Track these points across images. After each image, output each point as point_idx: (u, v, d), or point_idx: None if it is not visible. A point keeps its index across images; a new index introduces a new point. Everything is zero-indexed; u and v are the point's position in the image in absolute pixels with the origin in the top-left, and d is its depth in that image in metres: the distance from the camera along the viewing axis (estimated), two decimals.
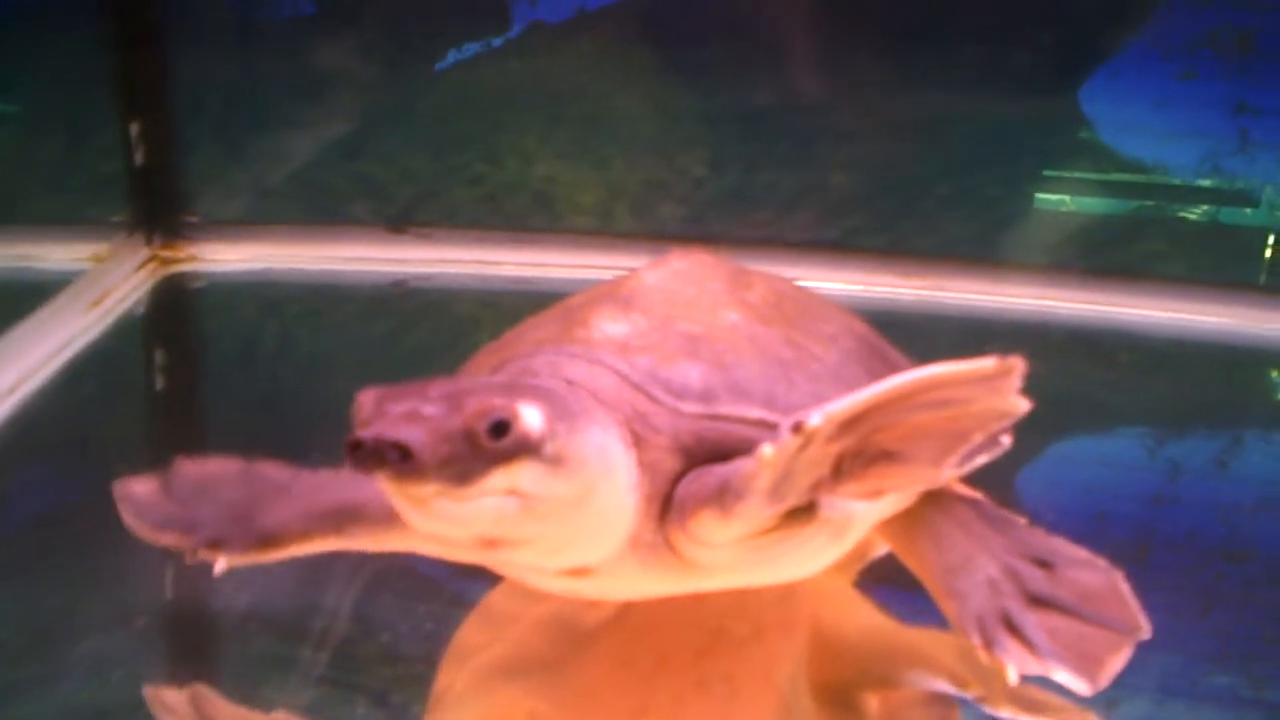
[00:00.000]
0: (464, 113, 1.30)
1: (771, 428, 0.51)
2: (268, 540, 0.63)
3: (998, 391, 0.49)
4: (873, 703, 0.68)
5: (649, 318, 0.60)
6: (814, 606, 0.74)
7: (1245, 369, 1.24)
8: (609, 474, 0.53)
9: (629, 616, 0.69)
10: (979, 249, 1.31)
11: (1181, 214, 1.28)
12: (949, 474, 0.55)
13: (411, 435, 0.46)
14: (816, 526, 0.55)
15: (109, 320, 1.18)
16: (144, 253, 1.31)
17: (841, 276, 1.29)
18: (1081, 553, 0.65)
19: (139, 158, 1.29)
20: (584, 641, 0.68)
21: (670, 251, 0.68)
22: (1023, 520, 0.67)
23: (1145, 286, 1.28)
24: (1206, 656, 0.74)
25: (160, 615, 0.77)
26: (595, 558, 0.55)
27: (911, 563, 0.67)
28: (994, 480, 0.92)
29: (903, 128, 1.29)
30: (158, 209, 1.32)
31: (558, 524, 0.52)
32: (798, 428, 0.48)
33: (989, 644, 0.61)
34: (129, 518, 0.66)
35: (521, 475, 0.49)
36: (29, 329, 1.10)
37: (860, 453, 0.52)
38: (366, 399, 0.49)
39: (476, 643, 0.68)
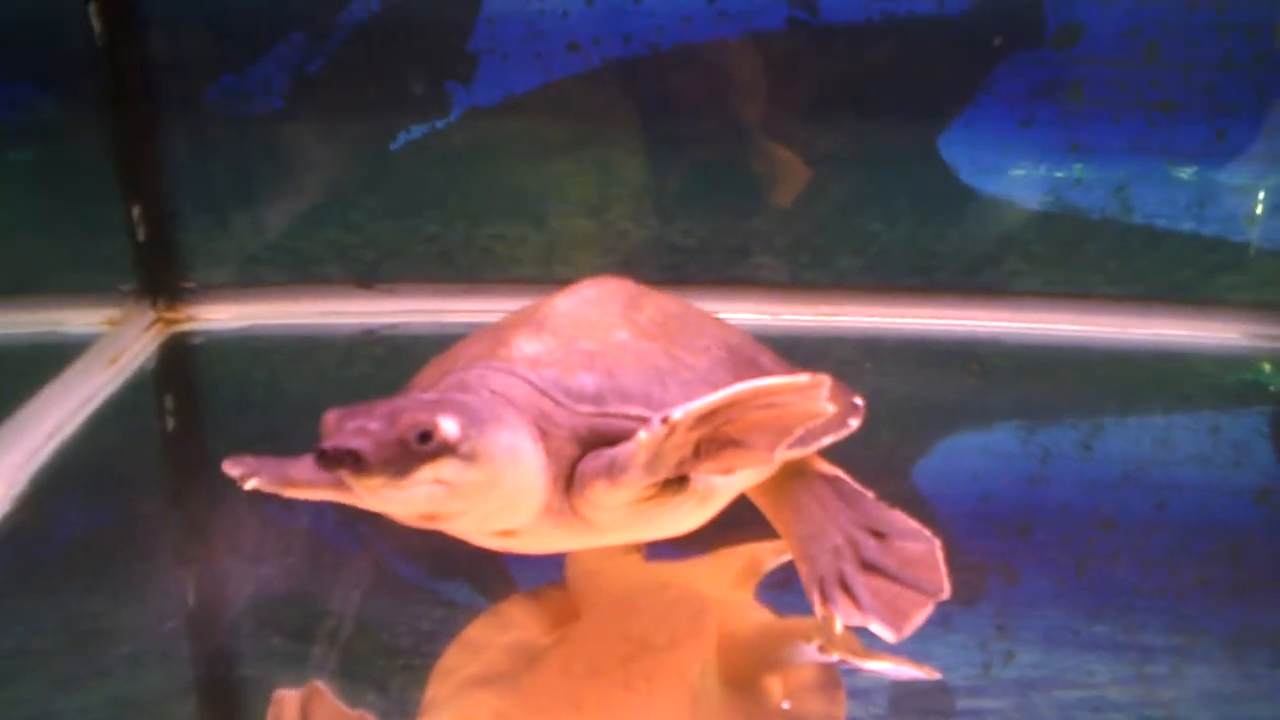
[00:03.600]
0: (417, 184, 1.37)
1: (648, 422, 0.59)
2: (291, 482, 0.73)
3: (810, 399, 0.59)
4: (773, 686, 0.73)
5: (556, 338, 0.68)
6: (720, 616, 0.80)
7: (1098, 368, 1.30)
8: (516, 463, 0.61)
9: (571, 636, 0.76)
10: (866, 277, 1.37)
11: (1034, 240, 1.34)
12: (780, 455, 0.63)
13: (360, 444, 0.56)
14: (686, 495, 0.65)
15: (125, 375, 1.24)
16: (150, 315, 1.39)
17: (750, 308, 1.37)
18: (911, 524, 0.73)
19: (141, 234, 1.38)
20: (536, 657, 0.74)
21: (585, 279, 0.76)
22: (871, 495, 0.74)
23: (1009, 301, 1.36)
24: (1086, 610, 0.80)
25: (184, 620, 0.83)
26: (518, 523, 0.65)
27: (779, 529, 0.76)
28: (892, 471, 1.01)
29: (792, 176, 1.36)
30: (160, 278, 1.40)
31: (480, 502, 0.61)
32: (665, 420, 0.57)
33: (825, 600, 0.70)
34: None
35: (444, 469, 0.59)
36: (59, 386, 1.18)
37: (714, 439, 0.61)
38: (330, 418, 0.59)
39: (455, 664, 0.74)
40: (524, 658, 0.74)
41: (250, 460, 0.76)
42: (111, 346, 1.30)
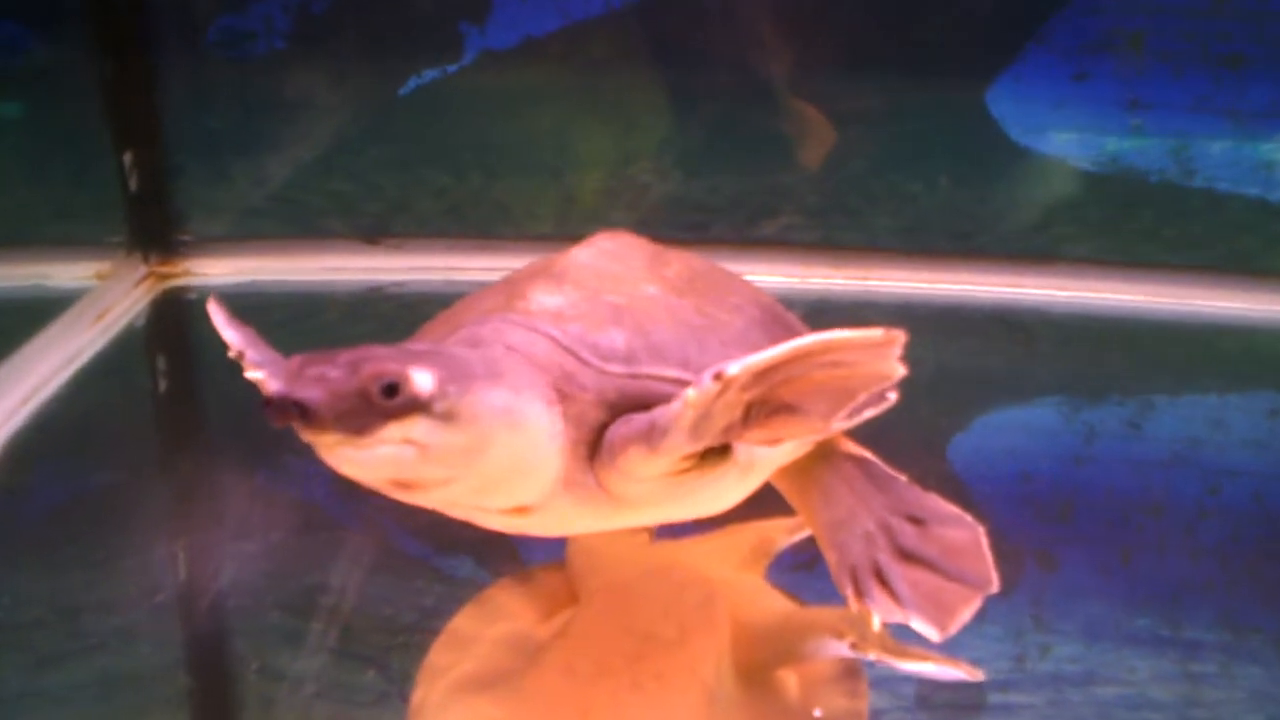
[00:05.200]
0: (428, 133, 1.37)
1: (685, 385, 0.56)
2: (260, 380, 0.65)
3: (882, 356, 0.55)
4: (791, 681, 0.72)
5: (580, 290, 0.65)
6: (732, 604, 0.78)
7: (1150, 342, 1.29)
8: (514, 427, 0.58)
9: (571, 630, 0.74)
10: (902, 241, 1.37)
11: (1085, 203, 1.35)
12: (836, 426, 0.61)
13: (310, 394, 0.52)
14: (727, 466, 0.61)
15: (113, 332, 1.24)
16: (142, 270, 1.39)
17: (777, 270, 1.38)
18: (951, 510, 0.69)
19: (133, 184, 1.38)
20: (534, 655, 0.72)
21: (598, 233, 0.73)
22: (904, 478, 0.71)
23: (1056, 269, 1.35)
24: (1128, 601, 0.79)
25: (173, 593, 0.83)
26: (529, 497, 0.61)
27: (804, 515, 0.73)
28: (925, 448, 1.00)
29: (828, 133, 1.36)
30: (153, 230, 1.40)
31: (465, 470, 0.57)
32: (719, 376, 0.54)
33: (859, 593, 0.67)
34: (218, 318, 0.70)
35: (414, 428, 0.54)
36: (43, 342, 1.18)
37: (766, 403, 0.57)
38: (292, 363, 0.55)
39: (445, 662, 0.72)
40: (520, 653, 0.73)
41: (246, 335, 0.70)
42: (99, 302, 1.30)
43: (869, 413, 0.72)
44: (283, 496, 0.93)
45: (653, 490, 0.62)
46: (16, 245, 1.37)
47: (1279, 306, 1.30)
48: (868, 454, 0.74)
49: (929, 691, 0.71)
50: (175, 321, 1.36)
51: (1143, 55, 1.26)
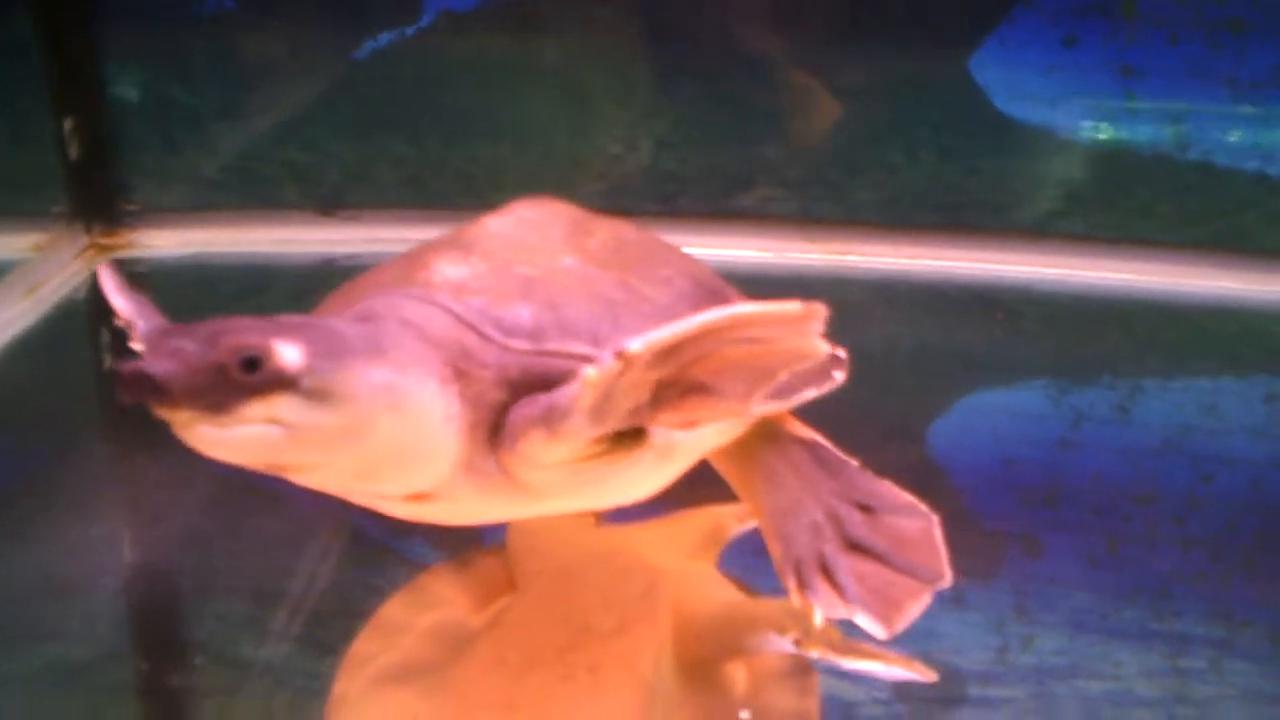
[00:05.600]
0: (385, 99, 1.34)
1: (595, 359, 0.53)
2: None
3: (801, 333, 0.52)
4: (736, 677, 0.70)
5: (487, 261, 0.63)
6: (676, 594, 0.77)
7: (1142, 323, 1.26)
8: (398, 408, 0.55)
9: (503, 618, 0.73)
10: (883, 214, 1.34)
11: (1076, 175, 1.32)
12: (760, 407, 0.59)
13: (161, 368, 0.50)
14: (640, 452, 0.59)
15: (45, 307, 1.22)
16: (83, 241, 1.36)
17: (752, 244, 1.35)
18: (904, 498, 0.68)
19: (74, 151, 1.35)
20: (462, 645, 0.71)
21: (519, 200, 0.70)
22: (855, 463, 0.69)
23: (1044, 245, 1.33)
24: (1116, 593, 0.78)
25: (121, 577, 0.82)
26: (425, 483, 0.59)
27: (748, 501, 0.71)
28: (905, 430, 0.98)
29: (806, 100, 1.33)
30: (96, 199, 1.37)
31: (343, 453, 0.55)
32: (619, 353, 0.51)
33: (802, 586, 0.65)
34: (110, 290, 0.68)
35: (279, 407, 0.52)
36: None
37: (676, 382, 0.55)
38: (150, 335, 0.53)
39: (370, 652, 0.71)
40: (449, 643, 0.71)
41: (137, 305, 0.67)
42: (32, 274, 1.27)
43: (809, 392, 0.70)
44: (234, 477, 0.92)
45: (561, 477, 0.59)
46: None
47: (1279, 287, 1.27)
48: (817, 437, 0.72)
49: (905, 683, 0.69)
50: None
51: (1135, 19, 1.23)
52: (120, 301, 0.66)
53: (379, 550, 0.83)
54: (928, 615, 0.65)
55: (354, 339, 0.56)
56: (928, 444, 0.99)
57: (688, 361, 0.54)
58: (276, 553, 0.82)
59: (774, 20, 1.31)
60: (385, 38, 1.33)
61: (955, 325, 1.26)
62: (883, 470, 0.70)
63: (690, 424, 0.59)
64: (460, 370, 0.58)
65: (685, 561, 0.81)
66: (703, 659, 0.72)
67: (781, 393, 0.67)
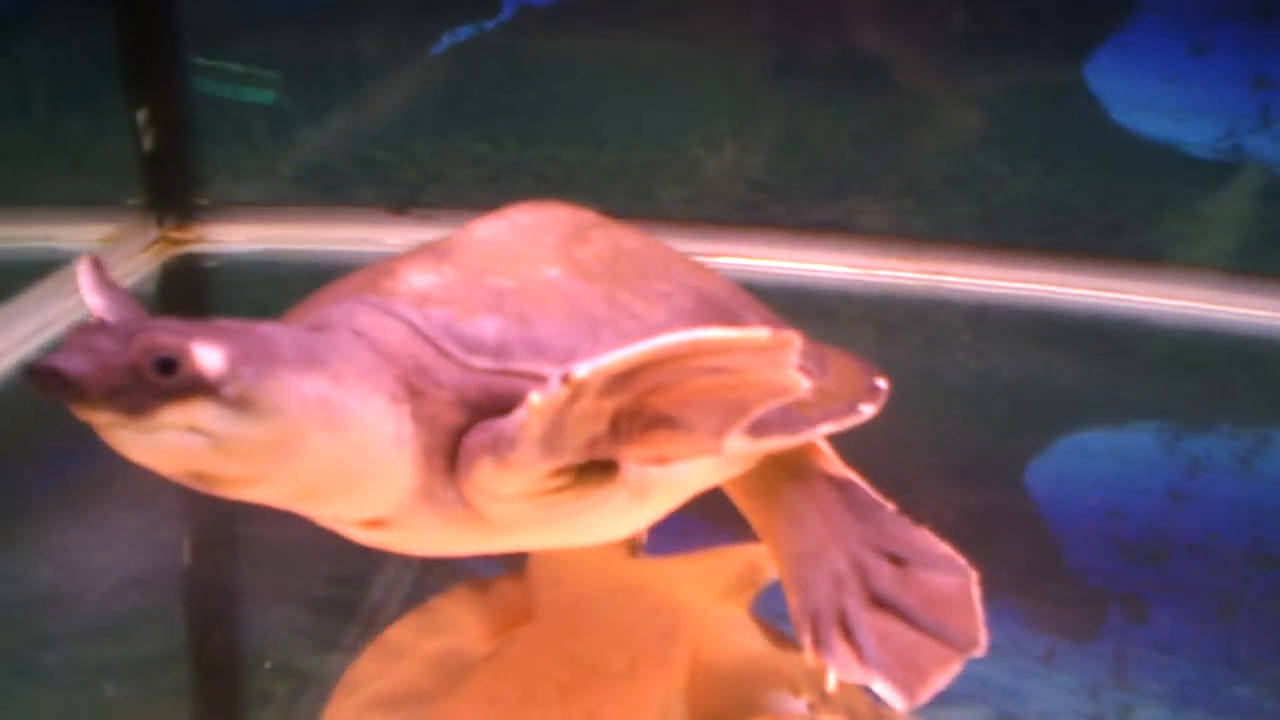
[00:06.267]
0: (462, 96, 1.35)
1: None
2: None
3: (773, 364, 0.49)
4: None
5: (460, 270, 0.60)
6: (699, 639, 0.74)
7: (1271, 363, 1.22)
8: (333, 425, 0.53)
9: (507, 651, 0.71)
10: (983, 232, 1.31)
11: (1202, 196, 1.27)
12: (730, 445, 0.54)
13: (73, 365, 0.48)
14: (612, 488, 0.56)
15: None
16: (153, 234, 1.37)
17: (840, 259, 1.31)
18: (940, 550, 0.64)
19: (148, 142, 1.36)
20: (461, 676, 0.69)
21: (521, 204, 0.68)
22: (891, 508, 0.66)
23: (1165, 274, 1.28)
24: (1228, 665, 0.74)
25: (174, 577, 0.83)
26: (378, 510, 0.56)
27: (767, 544, 0.67)
28: (997, 470, 0.95)
29: (903, 105, 1.30)
30: (169, 192, 1.38)
31: (271, 467, 0.53)
32: (566, 378, 0.48)
33: (818, 645, 0.61)
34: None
35: (198, 414, 0.50)
36: (26, 303, 1.15)
37: (638, 413, 0.52)
38: (70, 332, 0.51)
39: (368, 674, 0.70)
40: (449, 673, 0.69)
41: (117, 301, 0.64)
42: None
43: (825, 428, 0.66)
44: None
45: (523, 511, 0.56)
46: (22, 204, 1.35)
47: None
48: (851, 475, 0.68)
49: None
50: (187, 288, 1.35)
51: (1272, 25, 1.18)
52: (95, 299, 0.63)
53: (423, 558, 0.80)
54: (1015, 674, 0.63)
55: (287, 347, 0.53)
56: (1023, 487, 0.94)
57: (646, 390, 0.51)
58: (336, 560, 0.79)
59: (870, 15, 1.29)
60: (463, 32, 1.33)
61: (1058, 357, 1.21)
62: (969, 516, 0.69)
63: (661, 460, 0.56)
64: (414, 388, 0.56)
65: (716, 603, 0.78)
66: (713, 714, 0.68)
67: (791, 426, 0.63)
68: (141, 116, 1.36)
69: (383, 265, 0.63)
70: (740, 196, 1.34)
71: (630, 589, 0.78)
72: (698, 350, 0.49)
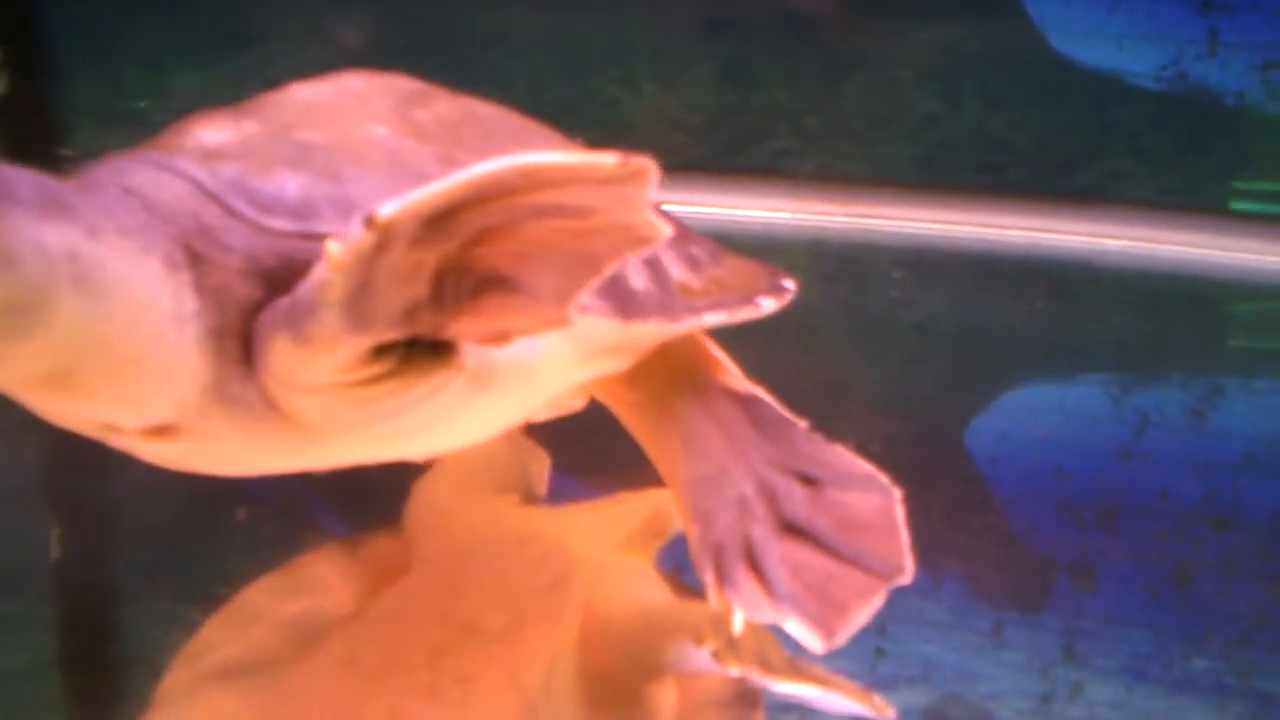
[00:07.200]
0: (378, 29, 1.32)
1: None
2: None
3: (625, 202, 0.42)
4: (660, 700, 0.63)
5: (263, 126, 0.54)
6: (592, 592, 0.71)
7: (1223, 307, 1.23)
8: (86, 284, 0.46)
9: (370, 611, 0.67)
10: (918, 172, 1.31)
11: (1144, 129, 1.27)
12: (578, 313, 0.49)
13: None
14: (447, 375, 0.50)
15: None
16: None
17: (766, 204, 1.30)
18: (859, 468, 0.61)
19: (2, 85, 1.31)
20: (315, 639, 0.66)
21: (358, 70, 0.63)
22: (803, 425, 0.63)
23: (1107, 212, 1.28)
24: (1184, 637, 0.72)
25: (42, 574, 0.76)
26: (163, 412, 0.50)
27: (662, 469, 0.64)
28: (934, 429, 0.95)
29: (830, 38, 1.29)
30: (27, 140, 1.35)
31: (14, 339, 0.46)
32: (369, 220, 0.42)
33: (721, 580, 0.58)
34: None
35: None
36: None
37: (465, 271, 0.46)
38: None
39: (212, 642, 0.66)
40: (304, 637, 0.65)
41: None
42: None
43: (715, 316, 0.62)
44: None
45: (337, 408, 0.49)
46: None
47: None
48: (756, 390, 0.63)
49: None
50: None
51: None
52: None
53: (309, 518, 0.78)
54: (960, 651, 0.62)
55: (25, 188, 0.45)
56: (963, 448, 0.93)
57: (471, 239, 0.44)
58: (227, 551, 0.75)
59: None
60: None
61: (999, 305, 1.20)
62: (909, 480, 0.62)
63: (498, 335, 0.49)
64: (196, 253, 0.49)
65: (615, 553, 0.74)
66: (608, 673, 0.64)
67: (670, 311, 0.59)
68: None
69: (176, 124, 0.56)
70: (660, 138, 1.35)
71: (520, 539, 0.74)
72: (530, 180, 0.41)
